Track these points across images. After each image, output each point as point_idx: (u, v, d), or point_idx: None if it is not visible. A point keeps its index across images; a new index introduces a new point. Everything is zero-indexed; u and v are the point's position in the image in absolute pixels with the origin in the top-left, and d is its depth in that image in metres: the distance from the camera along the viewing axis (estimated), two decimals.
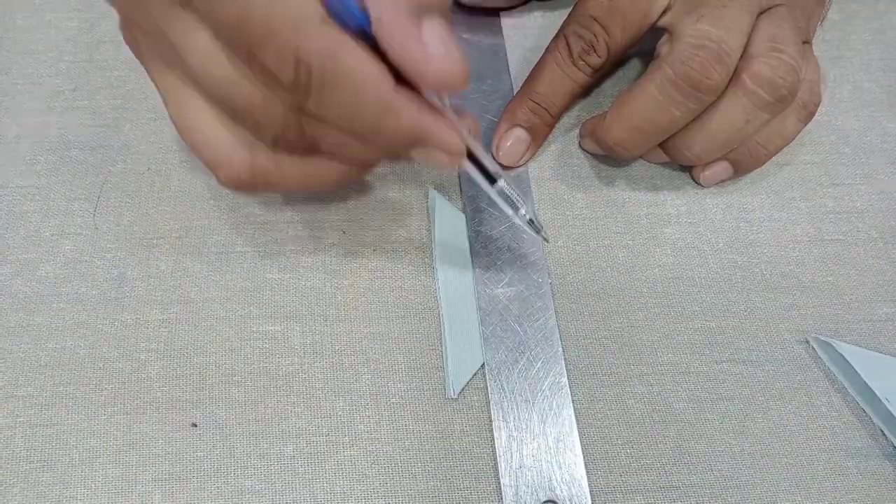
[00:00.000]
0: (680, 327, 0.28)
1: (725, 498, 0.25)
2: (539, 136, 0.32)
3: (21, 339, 0.27)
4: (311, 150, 0.23)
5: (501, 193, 0.25)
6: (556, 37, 0.31)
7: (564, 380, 0.27)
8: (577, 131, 0.33)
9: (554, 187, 0.31)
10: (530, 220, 0.26)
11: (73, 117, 0.32)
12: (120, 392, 0.26)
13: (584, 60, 0.30)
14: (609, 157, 0.32)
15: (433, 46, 0.20)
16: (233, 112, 0.22)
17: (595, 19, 0.30)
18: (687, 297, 0.29)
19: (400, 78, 0.21)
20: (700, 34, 0.27)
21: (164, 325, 0.28)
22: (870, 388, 0.26)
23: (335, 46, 0.20)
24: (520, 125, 0.31)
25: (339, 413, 0.26)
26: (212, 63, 0.21)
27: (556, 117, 0.32)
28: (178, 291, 0.28)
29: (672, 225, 0.31)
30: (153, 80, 0.24)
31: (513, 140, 0.31)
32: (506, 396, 0.27)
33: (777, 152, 0.30)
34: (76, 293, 0.28)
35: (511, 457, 0.25)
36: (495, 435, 0.26)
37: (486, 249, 0.29)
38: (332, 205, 0.30)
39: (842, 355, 0.27)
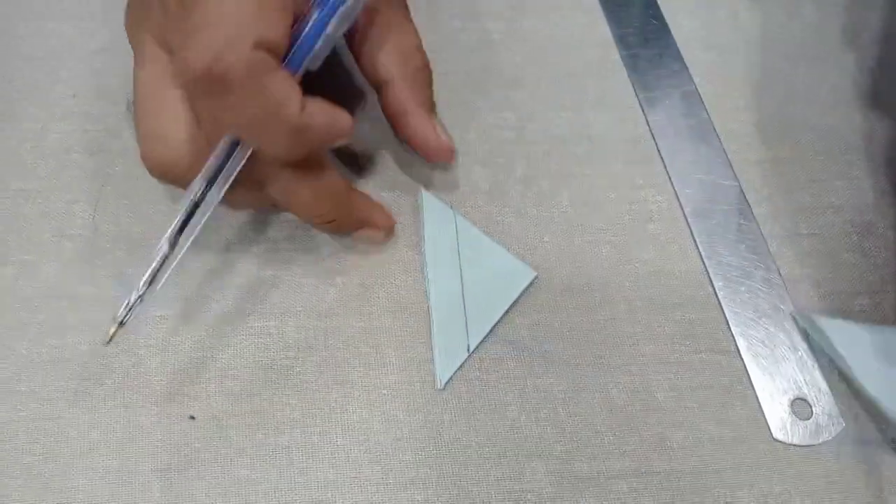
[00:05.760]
0: (661, 319, 0.29)
1: (705, 482, 0.26)
2: None
3: (23, 337, 0.28)
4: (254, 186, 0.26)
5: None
6: None
7: None
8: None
9: (539, 185, 0.32)
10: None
11: (73, 123, 0.33)
12: (120, 386, 0.27)
13: None
14: (592, 157, 0.33)
15: (441, 133, 0.29)
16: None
17: None
18: (668, 290, 0.30)
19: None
20: None
21: (162, 322, 0.28)
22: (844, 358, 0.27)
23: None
24: None
25: (333, 405, 0.27)
26: None
27: None
28: (175, 289, 0.29)
29: (654, 221, 0.32)
30: (140, 49, 0.25)
31: None
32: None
33: None
34: (76, 292, 0.29)
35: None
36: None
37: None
38: None
39: (822, 329, 0.28)
